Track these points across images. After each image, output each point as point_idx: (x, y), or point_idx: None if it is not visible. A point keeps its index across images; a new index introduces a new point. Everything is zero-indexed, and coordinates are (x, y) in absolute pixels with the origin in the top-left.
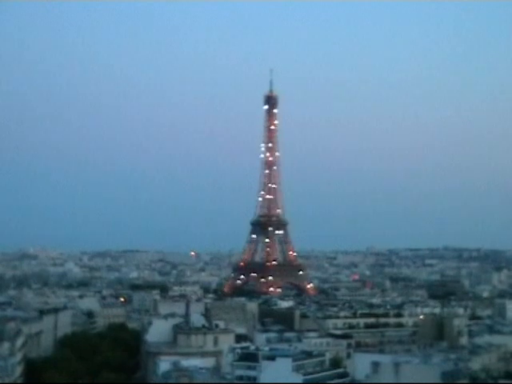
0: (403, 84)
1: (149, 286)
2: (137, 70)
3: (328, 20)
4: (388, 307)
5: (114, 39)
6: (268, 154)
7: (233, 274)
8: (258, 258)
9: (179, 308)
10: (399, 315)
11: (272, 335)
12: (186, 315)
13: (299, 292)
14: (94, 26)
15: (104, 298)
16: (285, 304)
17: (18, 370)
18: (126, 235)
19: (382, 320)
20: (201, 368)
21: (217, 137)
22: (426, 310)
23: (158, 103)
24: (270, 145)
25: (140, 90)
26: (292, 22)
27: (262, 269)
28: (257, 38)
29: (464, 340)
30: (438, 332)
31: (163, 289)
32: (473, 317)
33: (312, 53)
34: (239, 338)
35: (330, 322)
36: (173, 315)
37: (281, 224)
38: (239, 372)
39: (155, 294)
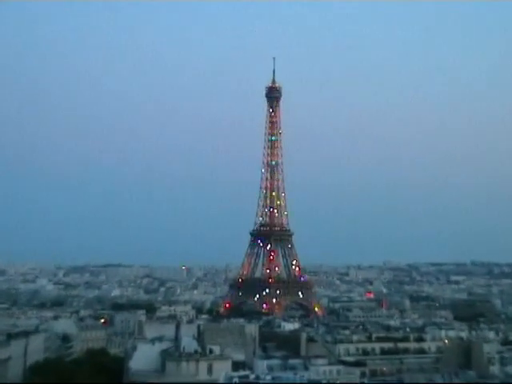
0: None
1: (133, 306)
2: (134, 68)
3: (334, 5)
4: (407, 330)
5: (114, 38)
6: (270, 154)
7: (230, 292)
8: (258, 274)
9: (168, 331)
10: (420, 339)
11: (274, 362)
12: (176, 339)
13: (306, 312)
14: (94, 26)
15: (82, 319)
16: (289, 326)
17: None
18: (107, 248)
19: (401, 345)
20: None
21: (211, 134)
22: (452, 334)
23: (145, 103)
24: (271, 143)
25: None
26: (297, 7)
27: (263, 286)
28: (259, 24)
29: (495, 369)
30: (465, 359)
31: (150, 309)
32: (505, 342)
33: (318, 41)
34: (237, 365)
35: (341, 348)
36: (161, 339)
37: (285, 234)
38: None
39: (140, 315)
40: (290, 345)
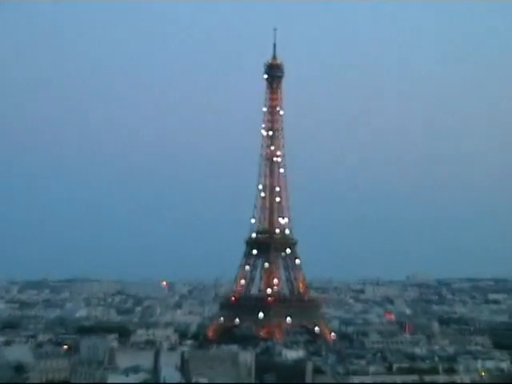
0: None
1: (103, 329)
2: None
3: None
4: (436, 360)
5: (113, 36)
6: (269, 146)
7: (220, 313)
8: (255, 291)
9: (145, 359)
10: (452, 371)
11: None
12: (155, 369)
13: (312, 338)
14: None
15: (40, 345)
16: (292, 354)
17: None
18: (70, 259)
19: (428, 378)
20: None
21: (198, 122)
22: (490, 365)
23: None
24: (272, 133)
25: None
26: None
27: (260, 305)
28: None
29: None
30: None
31: (123, 332)
32: None
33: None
34: None
35: (356, 381)
36: (136, 369)
37: (287, 243)
38: None
39: (112, 340)
40: (292, 377)
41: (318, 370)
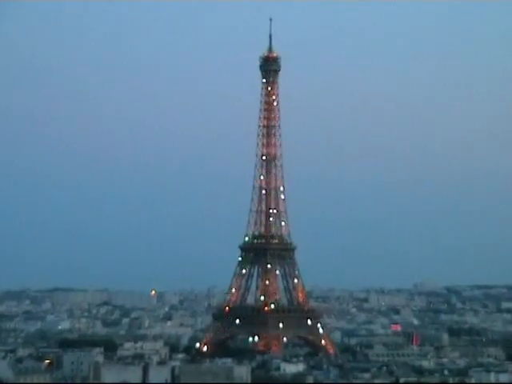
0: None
1: (87, 343)
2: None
3: None
4: (446, 373)
5: (112, 36)
6: (266, 144)
7: (213, 324)
8: (251, 300)
9: (133, 375)
10: None
11: None
12: None
13: (313, 350)
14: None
15: (20, 360)
16: (291, 369)
17: None
18: (53, 267)
19: None
20: None
21: (188, 118)
22: (504, 378)
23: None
24: (268, 130)
25: None
26: None
27: (257, 316)
28: None
29: None
30: None
31: (109, 346)
32: None
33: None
34: None
35: None
36: None
37: (285, 249)
38: None
39: (97, 355)
40: None
41: None
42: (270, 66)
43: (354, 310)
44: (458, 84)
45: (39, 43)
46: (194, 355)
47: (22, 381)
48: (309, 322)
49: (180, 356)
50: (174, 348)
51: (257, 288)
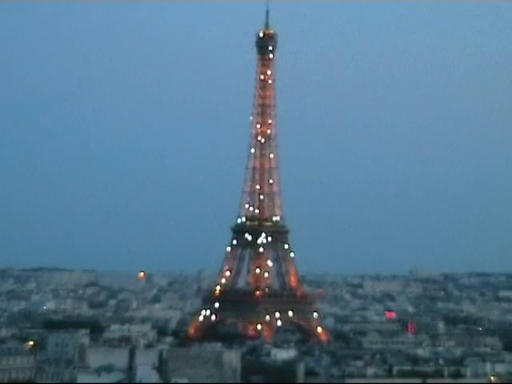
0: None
1: (73, 324)
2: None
3: None
4: (441, 363)
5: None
6: (260, 124)
7: (203, 308)
8: (242, 284)
9: (119, 358)
10: (458, 375)
11: None
12: (130, 368)
13: (305, 336)
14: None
15: (2, 341)
16: (282, 355)
17: None
18: (37, 245)
19: (432, 382)
20: None
21: (180, 96)
22: (500, 368)
23: None
24: (263, 110)
25: None
26: None
27: (248, 300)
28: None
29: None
30: None
31: (95, 328)
32: None
33: None
34: None
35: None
36: (109, 369)
37: (279, 231)
38: None
39: (82, 336)
40: (282, 379)
41: (310, 372)
42: (265, 43)
43: (347, 295)
44: (458, 84)
45: (39, 43)
46: (182, 339)
47: (4, 362)
48: (301, 307)
49: (168, 339)
50: (161, 331)
51: (248, 271)
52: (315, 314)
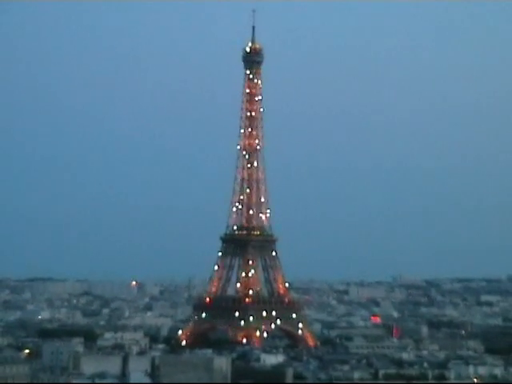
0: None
1: (67, 332)
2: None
3: None
4: (425, 366)
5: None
6: (247, 137)
7: (194, 315)
8: (231, 292)
9: (112, 365)
10: (442, 378)
11: None
12: (123, 375)
13: (293, 342)
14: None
15: None
16: (271, 360)
17: None
18: (31, 257)
19: None
20: None
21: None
22: (482, 371)
23: None
24: (250, 122)
25: None
26: None
27: (237, 307)
28: None
29: None
30: None
31: (89, 336)
32: None
33: None
34: None
35: None
36: (103, 376)
37: (266, 240)
38: None
39: (77, 344)
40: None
41: (298, 377)
42: (252, 58)
43: (334, 302)
44: (456, 83)
45: (39, 43)
46: (173, 346)
47: (0, 371)
48: (289, 313)
49: (160, 346)
50: (154, 338)
51: (237, 279)
52: (303, 320)
